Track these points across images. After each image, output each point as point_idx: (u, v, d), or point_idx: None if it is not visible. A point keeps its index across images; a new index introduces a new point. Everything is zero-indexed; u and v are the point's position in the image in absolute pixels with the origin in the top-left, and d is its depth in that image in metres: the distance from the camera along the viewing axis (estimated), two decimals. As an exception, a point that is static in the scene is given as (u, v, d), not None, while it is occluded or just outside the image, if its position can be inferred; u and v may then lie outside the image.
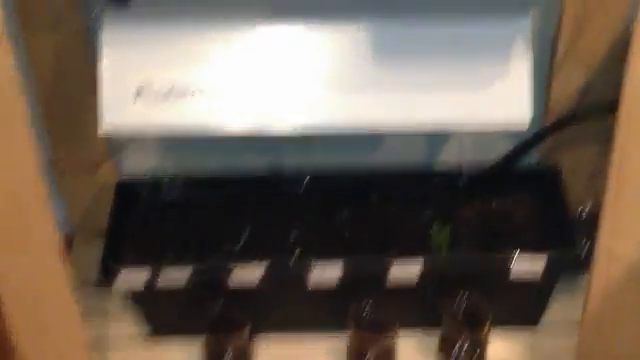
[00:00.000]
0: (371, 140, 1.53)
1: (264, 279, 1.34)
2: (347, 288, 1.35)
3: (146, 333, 1.46)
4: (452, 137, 1.52)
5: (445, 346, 1.41)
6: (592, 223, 1.46)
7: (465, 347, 1.38)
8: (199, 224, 1.48)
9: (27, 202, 1.08)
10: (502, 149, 1.50)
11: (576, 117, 1.43)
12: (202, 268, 1.35)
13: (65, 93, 1.46)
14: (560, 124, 1.43)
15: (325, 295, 1.37)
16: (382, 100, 1.16)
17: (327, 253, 1.39)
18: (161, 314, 1.43)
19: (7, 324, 1.15)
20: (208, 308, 1.40)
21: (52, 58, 1.42)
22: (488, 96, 1.15)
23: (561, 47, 1.41)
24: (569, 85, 1.44)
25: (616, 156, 1.16)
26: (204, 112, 1.19)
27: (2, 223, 1.08)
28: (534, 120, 1.24)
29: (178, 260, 1.37)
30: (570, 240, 1.37)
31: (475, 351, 1.39)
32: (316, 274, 1.33)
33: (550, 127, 1.44)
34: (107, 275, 1.34)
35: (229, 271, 1.34)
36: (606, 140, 1.46)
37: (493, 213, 1.47)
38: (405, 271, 1.33)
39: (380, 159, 1.54)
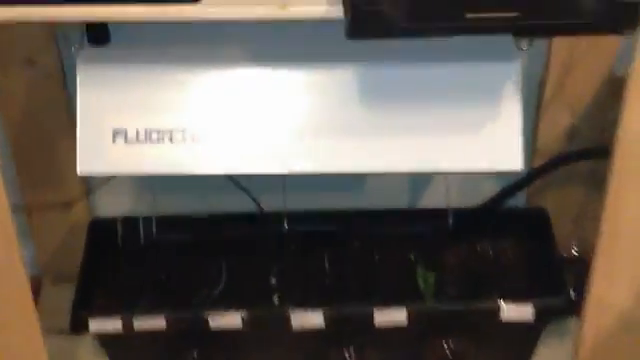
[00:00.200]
0: (353, 180, 1.50)
1: (243, 328, 1.29)
2: (330, 335, 1.31)
3: (120, 380, 1.41)
4: (437, 178, 1.48)
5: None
6: (579, 265, 1.46)
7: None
8: (175, 266, 1.44)
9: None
10: (488, 191, 1.48)
11: (564, 160, 1.40)
12: (178, 317, 1.30)
13: (37, 131, 1.42)
14: (548, 167, 1.41)
15: (307, 341, 1.33)
16: (372, 143, 1.12)
17: (308, 299, 1.35)
18: (135, 361, 1.39)
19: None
20: (184, 356, 1.35)
21: (24, 96, 1.38)
22: (480, 141, 1.12)
23: (548, 90, 1.39)
24: (556, 127, 1.42)
25: (609, 202, 1.14)
26: (183, 154, 1.15)
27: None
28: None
29: (152, 308, 1.33)
30: (558, 286, 1.34)
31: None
32: (297, 322, 1.29)
33: (538, 170, 1.41)
34: (77, 324, 1.29)
35: (206, 319, 1.30)
36: (594, 182, 1.46)
37: (480, 256, 1.43)
38: (390, 318, 1.29)
39: (363, 199, 1.50)
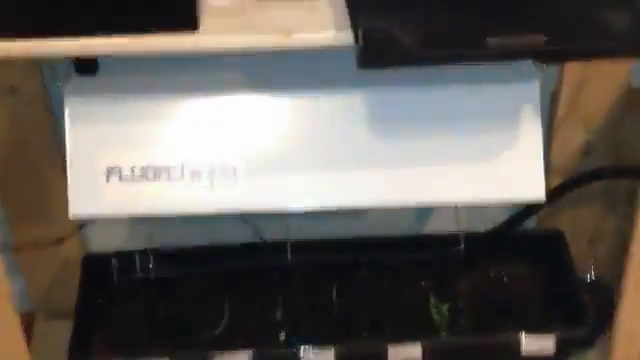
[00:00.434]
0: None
1: (250, 369, 1.23)
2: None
3: None
4: (447, 202, 1.42)
5: None
6: (598, 290, 1.40)
7: None
8: (175, 302, 1.36)
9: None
10: (500, 213, 1.41)
11: (579, 181, 1.34)
12: (182, 358, 1.23)
13: (23, 163, 1.35)
14: (564, 189, 1.34)
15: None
16: (384, 176, 1.06)
17: (317, 334, 1.29)
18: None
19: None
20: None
21: (7, 126, 1.31)
22: (498, 169, 1.06)
23: (562, 104, 1.32)
24: (570, 144, 1.36)
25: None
26: (183, 192, 1.08)
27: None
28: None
29: (153, 350, 1.26)
30: (579, 314, 1.28)
31: None
32: (307, 360, 1.23)
33: (553, 192, 1.34)
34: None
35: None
36: (609, 200, 1.40)
37: (494, 283, 1.37)
38: (405, 355, 1.22)
39: (367, 225, 1.43)
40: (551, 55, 0.89)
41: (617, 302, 1.12)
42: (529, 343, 1.23)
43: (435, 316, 1.31)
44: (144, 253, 1.39)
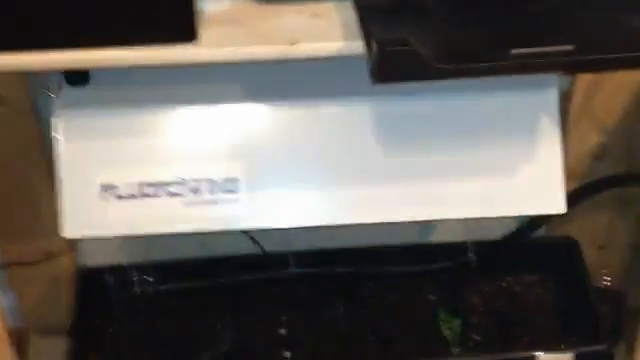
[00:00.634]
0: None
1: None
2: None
3: None
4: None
5: None
6: (612, 298, 1.35)
7: None
8: (174, 320, 1.31)
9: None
10: (510, 220, 1.35)
11: (594, 189, 1.28)
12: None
13: (11, 175, 1.29)
14: (579, 196, 1.28)
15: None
16: (398, 189, 1.00)
17: (323, 352, 1.24)
18: None
19: None
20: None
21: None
22: (517, 181, 1.00)
23: (575, 105, 1.27)
24: (582, 147, 1.31)
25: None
26: (184, 210, 1.02)
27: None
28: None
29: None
30: (596, 327, 1.23)
31: None
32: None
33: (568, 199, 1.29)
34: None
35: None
36: (621, 206, 1.35)
37: (506, 295, 1.31)
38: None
39: (371, 234, 1.37)
40: (581, 66, 0.83)
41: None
42: (545, 360, 1.18)
43: (446, 332, 1.26)
44: (141, 267, 1.33)
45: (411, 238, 1.38)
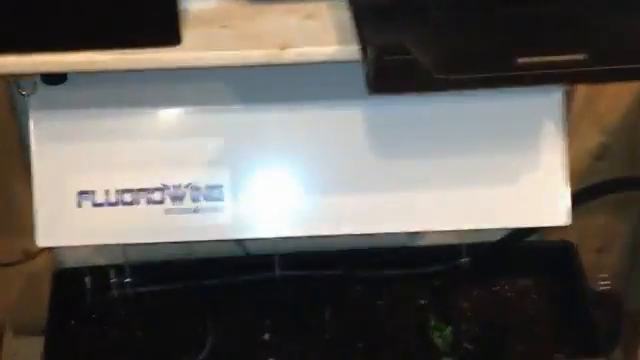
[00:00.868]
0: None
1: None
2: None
3: None
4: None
5: None
6: (606, 303, 1.31)
7: None
8: (153, 323, 1.25)
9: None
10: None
11: (594, 193, 1.23)
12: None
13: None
14: (576, 200, 1.23)
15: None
16: (395, 199, 0.95)
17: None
18: None
19: None
20: None
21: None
22: (520, 191, 0.95)
23: (576, 105, 1.22)
24: (584, 146, 1.26)
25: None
26: (163, 218, 0.96)
27: None
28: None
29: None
30: (593, 336, 1.18)
31: None
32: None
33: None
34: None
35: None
36: (619, 208, 1.31)
37: (499, 300, 1.27)
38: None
39: (364, 238, 1.32)
40: (594, 77, 0.78)
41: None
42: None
43: (436, 340, 1.21)
44: (120, 268, 1.27)
45: (402, 240, 1.33)
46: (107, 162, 0.97)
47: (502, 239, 1.29)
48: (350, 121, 0.97)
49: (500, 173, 0.95)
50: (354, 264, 1.28)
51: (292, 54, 0.82)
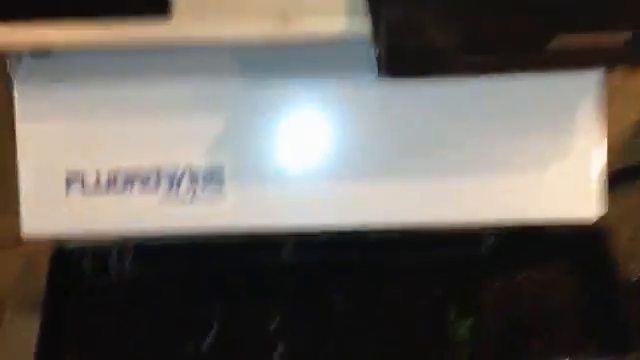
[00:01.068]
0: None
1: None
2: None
3: None
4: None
5: None
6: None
7: None
8: (156, 310, 1.18)
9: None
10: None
11: (632, 173, 1.14)
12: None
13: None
14: (613, 182, 1.14)
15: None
16: (411, 191, 0.87)
17: (317, 351, 1.11)
18: None
19: None
20: None
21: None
22: (547, 180, 0.86)
23: (612, 82, 1.12)
24: (620, 123, 1.17)
25: None
26: (160, 206, 0.89)
27: None
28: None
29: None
30: (628, 332, 1.09)
31: None
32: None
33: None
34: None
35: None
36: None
37: (524, 292, 1.18)
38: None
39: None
40: (635, 59, 0.68)
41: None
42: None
43: (454, 335, 1.12)
44: (122, 249, 1.20)
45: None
46: (98, 143, 0.89)
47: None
48: (365, 98, 0.88)
49: (524, 161, 0.87)
50: (368, 251, 1.20)
51: (296, 28, 0.74)
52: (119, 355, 1.14)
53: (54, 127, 0.89)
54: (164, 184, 0.89)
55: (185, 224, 0.89)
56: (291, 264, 1.19)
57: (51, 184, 0.88)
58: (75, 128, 0.88)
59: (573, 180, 0.87)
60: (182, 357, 1.13)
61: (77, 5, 0.73)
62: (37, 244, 1.27)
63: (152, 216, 0.89)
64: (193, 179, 0.89)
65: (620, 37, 0.63)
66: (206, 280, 1.19)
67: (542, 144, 0.87)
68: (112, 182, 0.88)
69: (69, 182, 0.88)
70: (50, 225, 0.89)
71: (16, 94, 0.89)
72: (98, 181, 0.88)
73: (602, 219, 1.20)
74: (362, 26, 0.70)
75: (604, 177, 0.87)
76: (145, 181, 0.88)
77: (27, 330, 1.27)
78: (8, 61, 0.91)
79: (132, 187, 0.88)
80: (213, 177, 0.89)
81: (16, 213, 1.22)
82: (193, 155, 0.88)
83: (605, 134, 0.87)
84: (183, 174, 0.89)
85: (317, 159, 0.88)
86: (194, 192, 0.89)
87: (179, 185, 0.89)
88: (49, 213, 0.89)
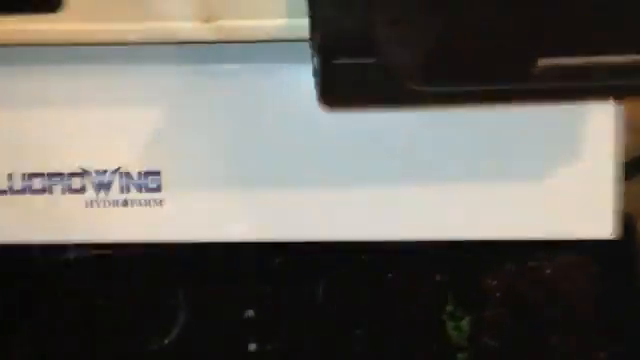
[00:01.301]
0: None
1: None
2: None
3: None
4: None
5: None
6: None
7: None
8: (112, 297, 1.05)
9: None
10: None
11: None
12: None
13: None
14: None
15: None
16: (416, 208, 0.72)
17: (297, 345, 0.98)
18: None
19: None
20: None
21: None
22: (558, 196, 0.72)
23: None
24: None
25: None
26: (83, 212, 0.74)
27: None
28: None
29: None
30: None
31: None
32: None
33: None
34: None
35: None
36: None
37: (534, 284, 1.03)
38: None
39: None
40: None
41: None
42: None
43: (451, 332, 0.98)
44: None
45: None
46: (11, 137, 0.74)
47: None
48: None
49: (530, 174, 0.72)
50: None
51: (220, 29, 0.57)
52: (69, 352, 1.02)
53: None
54: (91, 188, 0.74)
55: (114, 235, 0.75)
56: (268, 246, 1.05)
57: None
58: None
59: (587, 198, 0.72)
60: (141, 355, 1.01)
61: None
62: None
63: (75, 224, 0.75)
64: (125, 183, 0.74)
65: (623, 60, 0.46)
66: (171, 263, 1.06)
67: (556, 160, 0.72)
68: (29, 184, 0.74)
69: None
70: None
71: None
72: (11, 182, 0.74)
73: (628, 202, 1.04)
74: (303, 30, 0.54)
75: (619, 195, 0.73)
76: (68, 184, 0.74)
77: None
78: None
79: (52, 189, 0.74)
80: (149, 181, 0.74)
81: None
82: (125, 158, 0.73)
83: (621, 150, 0.72)
84: (112, 179, 0.74)
85: (281, 163, 0.72)
86: (126, 199, 0.74)
87: (108, 190, 0.74)
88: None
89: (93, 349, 1.01)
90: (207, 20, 0.56)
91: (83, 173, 0.74)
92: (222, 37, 0.56)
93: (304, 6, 0.52)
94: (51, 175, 0.74)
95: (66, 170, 0.74)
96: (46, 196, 0.74)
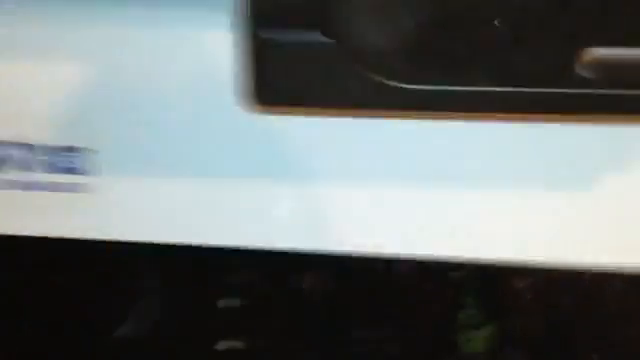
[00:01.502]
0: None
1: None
2: None
3: None
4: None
5: None
6: None
7: None
8: (79, 283, 0.92)
9: None
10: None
11: None
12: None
13: None
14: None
15: None
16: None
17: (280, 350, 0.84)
18: None
19: None
20: None
21: None
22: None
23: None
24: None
25: None
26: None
27: None
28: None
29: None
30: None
31: None
32: None
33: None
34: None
35: None
36: None
37: (559, 289, 0.88)
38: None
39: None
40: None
41: None
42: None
43: (465, 345, 0.83)
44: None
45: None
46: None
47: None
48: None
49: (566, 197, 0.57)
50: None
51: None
52: (30, 343, 0.89)
53: None
54: (11, 171, 0.59)
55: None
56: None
57: None
58: None
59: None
60: (108, 348, 0.87)
61: None
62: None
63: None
64: (51, 162, 0.59)
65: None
66: (147, 251, 0.92)
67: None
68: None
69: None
70: None
71: None
72: None
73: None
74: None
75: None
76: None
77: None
78: None
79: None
80: (79, 161, 0.59)
81: None
82: (53, 135, 0.59)
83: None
84: (36, 160, 0.59)
85: (230, 152, 0.57)
86: (52, 184, 0.59)
87: (29, 168, 0.59)
88: None
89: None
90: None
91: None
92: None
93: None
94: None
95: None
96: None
